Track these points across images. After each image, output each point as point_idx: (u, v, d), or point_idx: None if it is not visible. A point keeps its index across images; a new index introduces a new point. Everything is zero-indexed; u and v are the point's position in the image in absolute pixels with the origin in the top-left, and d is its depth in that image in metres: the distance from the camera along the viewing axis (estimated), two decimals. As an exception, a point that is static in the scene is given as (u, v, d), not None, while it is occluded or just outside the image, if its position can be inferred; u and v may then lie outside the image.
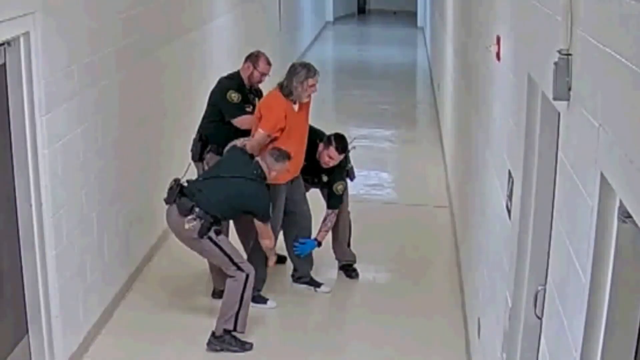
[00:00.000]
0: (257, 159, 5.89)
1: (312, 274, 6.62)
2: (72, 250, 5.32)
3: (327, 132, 6.64)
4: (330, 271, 6.92)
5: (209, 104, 6.70)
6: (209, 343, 5.64)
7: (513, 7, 4.25)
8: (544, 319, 3.15)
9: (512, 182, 3.90)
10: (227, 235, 6.11)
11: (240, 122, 6.50)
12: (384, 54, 18.83)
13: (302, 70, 6.08)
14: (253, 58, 6.66)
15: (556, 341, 2.81)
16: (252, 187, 5.80)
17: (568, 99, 2.66)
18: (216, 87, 6.75)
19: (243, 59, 6.72)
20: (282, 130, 6.03)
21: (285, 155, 5.90)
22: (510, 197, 3.95)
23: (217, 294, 6.17)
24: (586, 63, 2.48)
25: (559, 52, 2.65)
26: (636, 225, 1.98)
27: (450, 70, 9.80)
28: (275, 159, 5.85)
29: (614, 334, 2.20)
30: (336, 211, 6.58)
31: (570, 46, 2.62)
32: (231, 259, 5.67)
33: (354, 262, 6.84)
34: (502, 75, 4.55)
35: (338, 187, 6.55)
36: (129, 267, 6.52)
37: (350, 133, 10.96)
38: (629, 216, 2.04)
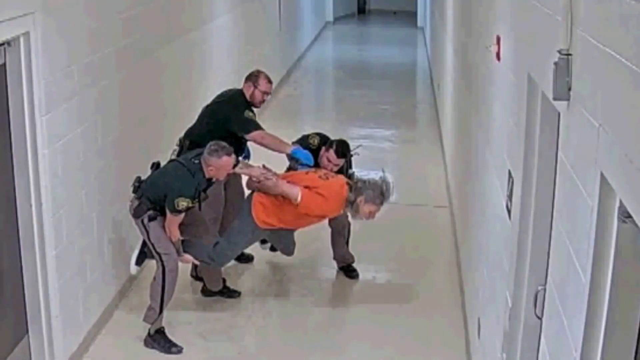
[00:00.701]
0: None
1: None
2: (72, 250, 5.32)
3: (327, 132, 6.65)
4: (329, 271, 6.92)
5: (213, 118, 6.39)
6: (145, 339, 5.72)
7: (513, 7, 4.25)
8: (544, 319, 3.15)
9: (512, 182, 3.90)
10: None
11: (258, 136, 6.31)
12: (384, 54, 18.83)
13: (373, 193, 5.75)
14: (253, 78, 6.58)
15: (556, 341, 2.81)
16: (179, 169, 5.67)
17: (568, 99, 2.66)
18: (225, 101, 6.52)
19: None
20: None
21: (223, 150, 5.59)
22: (510, 197, 3.95)
23: (205, 291, 6.37)
24: (586, 63, 2.48)
25: (559, 52, 2.65)
26: (636, 225, 1.98)
27: (450, 70, 9.80)
28: (208, 152, 5.59)
29: (614, 334, 2.20)
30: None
31: (570, 46, 2.62)
32: (154, 247, 5.65)
33: (353, 262, 6.82)
34: (502, 75, 4.55)
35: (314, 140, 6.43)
36: (129, 267, 6.50)
37: (351, 133, 10.99)
38: (629, 216, 2.04)
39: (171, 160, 5.97)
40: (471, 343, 5.50)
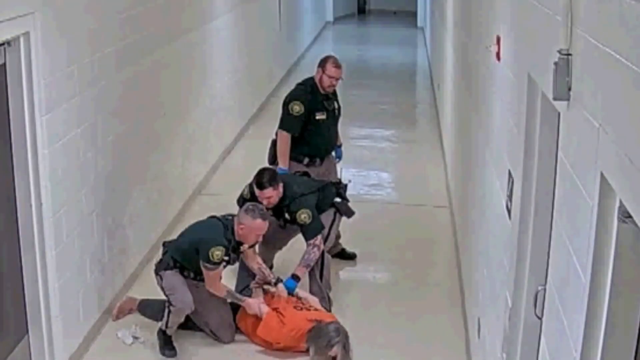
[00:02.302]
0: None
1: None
2: (72, 250, 5.32)
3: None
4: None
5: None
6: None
7: (513, 7, 4.25)
8: (544, 319, 3.15)
9: (512, 182, 3.90)
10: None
11: (278, 136, 6.57)
12: (384, 54, 18.83)
13: (322, 345, 5.43)
14: (322, 62, 6.68)
15: (556, 341, 2.81)
16: (211, 221, 5.65)
17: (568, 99, 2.66)
18: (294, 88, 6.84)
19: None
20: None
21: (259, 212, 5.48)
22: (510, 197, 3.95)
23: None
24: (586, 63, 2.48)
25: (559, 52, 2.65)
26: (636, 225, 1.98)
27: (450, 70, 9.80)
28: (244, 210, 5.49)
29: (614, 334, 2.20)
30: (316, 241, 6.04)
31: (570, 46, 2.62)
32: (169, 301, 5.54)
33: (329, 291, 6.44)
34: (502, 75, 4.55)
35: (301, 216, 6.02)
36: (129, 267, 6.51)
37: (351, 133, 10.99)
38: (629, 216, 2.04)
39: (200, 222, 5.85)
40: (471, 343, 5.50)
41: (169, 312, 5.54)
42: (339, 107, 6.98)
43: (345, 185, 6.54)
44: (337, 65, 6.54)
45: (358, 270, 6.73)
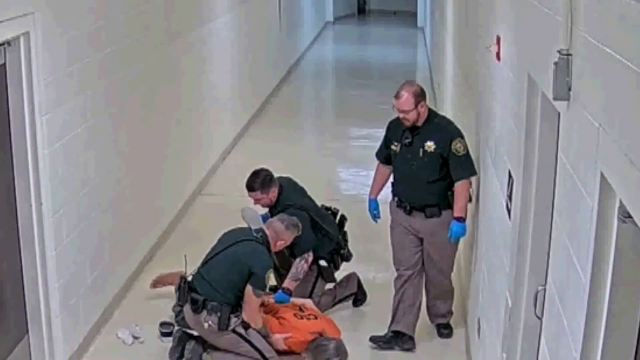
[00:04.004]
0: (263, 226, 5.44)
1: None
2: (72, 250, 5.32)
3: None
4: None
5: None
6: None
7: (513, 7, 4.25)
8: (544, 319, 3.15)
9: (512, 182, 3.90)
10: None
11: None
12: (384, 54, 18.82)
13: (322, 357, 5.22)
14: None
15: (556, 341, 2.81)
16: (250, 245, 5.28)
17: (568, 99, 2.66)
18: None
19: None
20: None
21: (296, 225, 5.47)
22: (510, 197, 3.95)
23: None
24: (586, 63, 2.48)
25: (559, 52, 2.65)
26: (636, 225, 1.98)
27: (450, 70, 9.80)
28: (285, 226, 5.42)
29: (614, 334, 2.20)
30: (306, 256, 5.95)
31: (570, 46, 2.62)
32: (262, 354, 5.27)
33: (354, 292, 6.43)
34: (502, 75, 4.55)
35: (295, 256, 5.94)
36: (129, 267, 6.52)
37: (351, 133, 11.00)
38: (629, 216, 2.04)
39: (229, 246, 5.39)
40: (471, 343, 5.50)
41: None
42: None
43: (345, 232, 6.31)
44: (398, 96, 5.54)
45: (358, 270, 6.72)
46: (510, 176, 3.99)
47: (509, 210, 3.97)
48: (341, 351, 5.22)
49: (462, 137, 5.52)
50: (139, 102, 6.63)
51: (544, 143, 3.38)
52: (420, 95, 5.56)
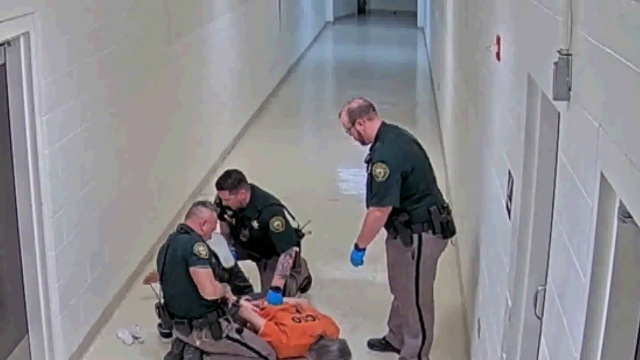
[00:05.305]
0: (188, 222, 5.48)
1: None
2: (72, 250, 5.32)
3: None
4: (328, 271, 6.91)
5: None
6: None
7: (513, 7, 4.25)
8: (544, 319, 3.15)
9: (512, 182, 3.90)
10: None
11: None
12: (384, 54, 18.83)
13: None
14: None
15: (556, 341, 2.81)
16: (172, 243, 5.35)
17: (568, 99, 2.66)
18: None
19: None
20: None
21: (206, 203, 5.57)
22: (510, 197, 3.95)
23: None
24: (586, 63, 2.48)
25: (559, 52, 2.65)
26: (636, 225, 1.98)
27: (450, 70, 9.80)
28: (199, 207, 5.49)
29: (614, 334, 2.20)
30: (291, 252, 5.96)
31: (570, 46, 2.62)
32: (260, 354, 5.38)
33: None
34: (502, 75, 4.55)
35: (274, 223, 5.93)
36: (129, 267, 6.52)
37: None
38: (629, 216, 2.03)
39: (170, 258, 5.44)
40: (471, 343, 5.50)
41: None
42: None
43: (303, 234, 6.24)
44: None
45: (358, 270, 6.72)
46: (510, 176, 3.99)
47: (509, 210, 3.97)
48: (345, 352, 5.23)
49: (383, 161, 5.07)
50: (138, 102, 6.63)
51: (544, 143, 3.38)
52: (356, 113, 5.28)
